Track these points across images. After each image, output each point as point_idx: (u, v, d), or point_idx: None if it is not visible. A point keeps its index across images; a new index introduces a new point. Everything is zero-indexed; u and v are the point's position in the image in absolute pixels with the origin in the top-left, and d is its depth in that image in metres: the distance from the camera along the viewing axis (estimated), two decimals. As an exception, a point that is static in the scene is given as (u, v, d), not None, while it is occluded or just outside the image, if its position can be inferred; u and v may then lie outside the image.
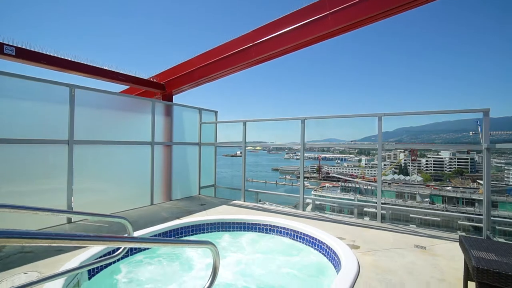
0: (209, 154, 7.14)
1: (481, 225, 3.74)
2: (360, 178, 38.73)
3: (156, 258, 3.44)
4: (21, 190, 3.82)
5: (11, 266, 2.72)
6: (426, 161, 42.34)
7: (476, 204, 23.99)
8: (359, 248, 3.33)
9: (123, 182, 5.23)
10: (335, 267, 3.11)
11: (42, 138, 4.01)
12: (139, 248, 3.47)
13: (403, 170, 41.84)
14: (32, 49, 4.41)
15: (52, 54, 4.66)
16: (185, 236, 4.16)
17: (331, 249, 3.34)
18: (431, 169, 41.78)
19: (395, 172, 40.03)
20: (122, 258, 3.23)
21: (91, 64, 5.25)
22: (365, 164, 45.64)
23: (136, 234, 3.63)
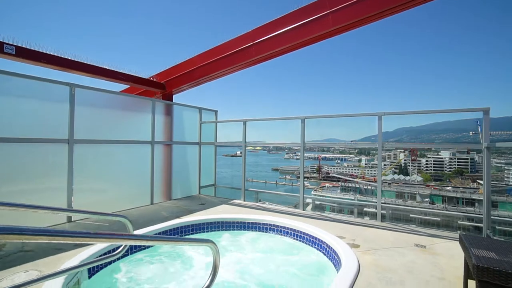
0: (209, 154, 7.14)
1: (481, 225, 3.74)
2: (360, 178, 38.73)
3: (156, 257, 3.44)
4: (21, 190, 3.81)
5: (11, 264, 2.72)
6: (426, 161, 42.35)
7: (476, 204, 23.98)
8: (359, 247, 3.33)
9: (123, 181, 5.23)
10: (335, 266, 3.11)
11: (42, 137, 4.01)
12: (139, 247, 3.47)
13: (403, 170, 41.84)
14: (32, 48, 4.41)
15: (52, 53, 4.66)
16: (185, 235, 4.16)
17: (331, 248, 3.34)
18: (431, 169, 41.79)
19: (395, 172, 40.04)
20: (122, 257, 3.23)
21: (91, 64, 5.25)
22: (365, 164, 45.65)
23: (136, 233, 3.62)
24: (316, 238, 3.70)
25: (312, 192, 29.12)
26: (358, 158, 48.70)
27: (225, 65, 5.78)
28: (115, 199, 5.04)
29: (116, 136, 5.08)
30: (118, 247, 2.57)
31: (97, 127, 4.81)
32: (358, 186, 30.64)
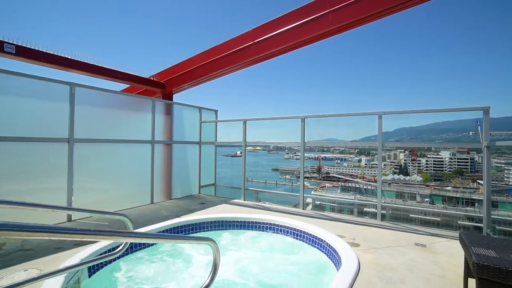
0: (209, 153, 7.14)
1: (481, 225, 3.74)
2: (360, 178, 38.72)
3: (156, 256, 3.43)
4: (20, 189, 3.81)
5: (11, 263, 2.72)
6: (426, 161, 42.33)
7: (476, 204, 23.98)
8: (359, 246, 3.33)
9: (123, 180, 5.23)
10: (335, 264, 3.11)
11: (42, 136, 4.01)
12: (139, 246, 3.47)
13: (403, 170, 41.83)
14: (32, 47, 4.41)
15: (52, 53, 4.66)
16: (185, 234, 4.15)
17: (331, 247, 3.34)
18: (431, 169, 41.78)
19: (395, 172, 40.03)
20: (122, 256, 3.23)
21: (91, 63, 5.25)
22: (365, 164, 45.63)
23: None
24: (316, 237, 3.70)
25: (312, 192, 29.11)
26: (358, 158, 48.69)
27: (225, 64, 5.78)
28: (115, 198, 5.04)
29: (116, 136, 5.08)
30: (118, 246, 2.57)
31: (97, 127, 4.81)
32: (358, 186, 30.64)
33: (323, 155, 51.87)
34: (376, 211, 4.53)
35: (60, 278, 2.34)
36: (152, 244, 3.61)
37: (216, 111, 7.37)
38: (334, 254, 3.22)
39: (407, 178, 35.54)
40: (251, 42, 5.31)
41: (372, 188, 28.78)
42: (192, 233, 4.21)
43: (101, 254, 2.97)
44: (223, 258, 3.28)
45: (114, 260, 3.11)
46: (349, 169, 45.40)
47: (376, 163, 4.76)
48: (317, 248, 3.62)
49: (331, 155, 52.74)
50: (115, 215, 2.42)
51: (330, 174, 43.23)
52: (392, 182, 32.25)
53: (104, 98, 4.93)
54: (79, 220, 4.27)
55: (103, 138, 4.83)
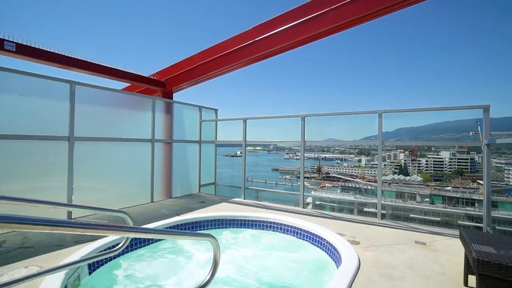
0: (209, 153, 7.14)
1: (481, 224, 3.74)
2: (360, 178, 38.72)
3: (157, 253, 3.44)
4: (20, 188, 3.80)
5: (12, 260, 2.72)
6: (426, 161, 42.31)
7: (476, 204, 23.97)
8: (359, 244, 3.33)
9: (123, 179, 5.23)
10: (335, 262, 3.11)
11: (42, 135, 4.01)
12: (139, 244, 3.47)
13: (403, 170, 41.82)
14: (33, 46, 4.41)
15: (52, 51, 4.66)
16: (185, 232, 4.16)
17: (332, 245, 3.34)
18: (431, 169, 41.76)
19: (395, 172, 40.02)
20: (123, 253, 3.23)
21: (91, 61, 5.25)
22: (365, 164, 45.62)
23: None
24: (316, 236, 3.70)
25: (312, 192, 29.12)
26: (358, 158, 48.68)
27: (225, 63, 5.78)
28: (115, 197, 5.04)
29: (117, 134, 5.08)
30: (118, 243, 2.57)
31: (97, 125, 4.81)
32: (358, 186, 30.63)
33: (323, 155, 51.87)
34: (376, 210, 4.52)
35: (60, 275, 2.34)
36: (153, 242, 3.61)
37: (216, 110, 7.38)
38: (334, 252, 3.22)
39: (407, 178, 35.53)
40: (251, 41, 5.31)
41: (372, 188, 28.77)
42: (192, 231, 4.21)
43: (101, 251, 2.97)
44: (223, 256, 3.28)
45: (114, 257, 3.11)
46: (349, 169, 45.39)
47: (376, 163, 4.77)
48: (317, 246, 3.62)
49: (331, 155, 52.74)
50: (115, 212, 2.42)
51: (330, 174, 43.22)
52: (392, 182, 32.24)
53: (104, 97, 4.94)
54: (79, 218, 4.27)
55: (103, 137, 4.83)
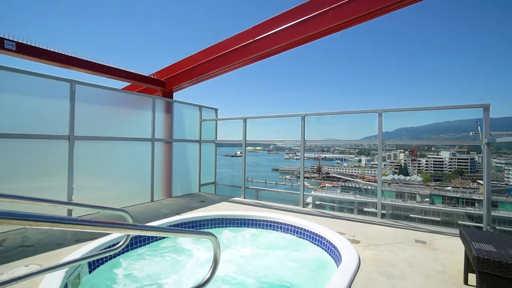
0: (209, 152, 7.15)
1: (481, 224, 3.74)
2: (360, 178, 38.73)
3: (157, 252, 3.44)
4: (21, 187, 3.80)
5: (12, 259, 2.72)
6: (426, 161, 42.32)
7: (476, 204, 23.99)
8: (359, 242, 3.33)
9: (123, 178, 5.23)
10: (335, 261, 3.11)
11: (43, 134, 4.01)
12: (139, 243, 3.47)
13: (403, 170, 41.83)
14: (33, 45, 4.41)
15: (52, 50, 4.66)
16: (185, 231, 4.16)
17: (332, 243, 3.34)
18: (431, 169, 41.77)
19: (395, 172, 40.03)
20: (123, 252, 3.23)
21: (91, 60, 5.25)
22: (365, 164, 45.64)
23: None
24: (316, 234, 3.70)
25: (312, 192, 29.13)
26: (358, 158, 48.70)
27: (225, 62, 5.78)
28: (115, 196, 5.04)
29: (117, 133, 5.08)
30: (118, 242, 2.57)
31: (97, 124, 4.82)
32: (358, 186, 30.65)
33: (323, 155, 51.88)
34: (376, 210, 4.52)
35: (60, 274, 2.34)
36: (153, 241, 3.61)
37: (216, 110, 7.38)
38: (334, 251, 3.22)
39: (407, 178, 35.55)
40: (252, 40, 5.31)
41: (372, 188, 28.79)
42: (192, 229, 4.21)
43: (101, 250, 2.97)
44: (223, 255, 3.28)
45: (114, 256, 3.11)
46: (349, 169, 45.40)
47: (376, 163, 4.77)
48: (317, 245, 3.63)
49: (331, 155, 52.76)
50: (115, 211, 2.42)
51: (330, 174, 43.24)
52: (392, 182, 32.26)
53: (104, 96, 4.94)
54: (79, 217, 4.26)
55: (103, 136, 4.83)
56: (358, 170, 44.47)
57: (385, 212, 4.66)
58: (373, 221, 4.30)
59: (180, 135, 6.43)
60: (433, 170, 41.46)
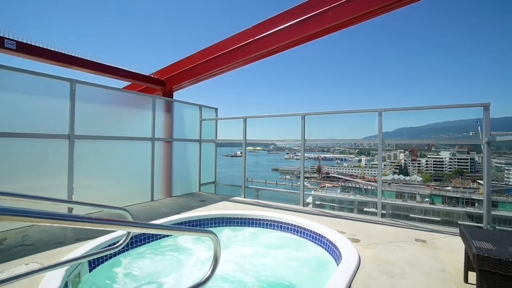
0: (209, 152, 7.15)
1: (481, 224, 3.74)
2: (360, 178, 38.74)
3: (157, 251, 3.44)
4: (20, 187, 3.79)
5: (12, 258, 2.72)
6: (426, 161, 42.34)
7: (476, 204, 24.00)
8: (359, 241, 3.33)
9: (124, 178, 5.23)
10: (335, 260, 3.11)
11: (43, 133, 4.01)
12: (140, 242, 3.47)
13: (403, 170, 41.84)
14: (33, 44, 4.41)
15: (53, 49, 4.66)
16: (185, 230, 4.16)
17: (332, 242, 3.34)
18: (431, 169, 41.78)
19: (395, 172, 40.05)
20: (123, 251, 3.23)
21: (92, 60, 5.25)
22: (365, 164, 45.65)
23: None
24: (316, 233, 3.70)
25: (313, 192, 29.14)
26: (358, 158, 48.72)
27: (225, 61, 5.78)
28: (116, 195, 5.04)
29: (117, 133, 5.08)
30: (119, 241, 2.57)
31: (97, 123, 4.81)
32: (358, 186, 30.66)
33: (323, 155, 51.90)
34: (376, 210, 4.52)
35: (61, 272, 2.34)
36: (154, 240, 3.61)
37: (216, 109, 7.38)
38: (335, 249, 3.22)
39: (407, 178, 35.56)
40: (252, 39, 5.31)
41: (372, 188, 28.80)
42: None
43: (102, 248, 2.97)
44: (223, 254, 3.28)
45: (115, 255, 3.11)
46: (349, 169, 45.41)
47: (376, 163, 4.77)
48: (318, 244, 3.63)
49: (331, 155, 52.78)
50: (116, 209, 2.43)
51: (330, 174, 43.25)
52: (392, 182, 32.27)
53: (104, 95, 4.94)
54: (79, 217, 4.27)
55: (103, 135, 4.83)
56: (358, 170, 44.48)
57: (385, 212, 4.65)
58: (373, 220, 4.30)
59: (180, 134, 6.43)
60: (433, 170, 41.47)
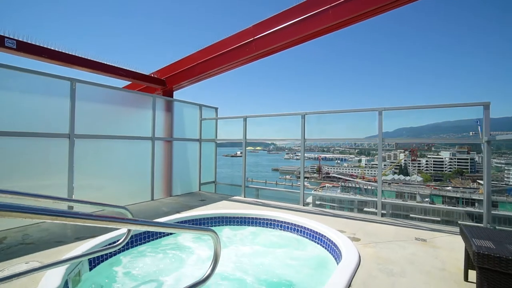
0: (210, 152, 7.15)
1: (481, 224, 3.74)
2: (360, 178, 38.75)
3: (158, 249, 3.44)
4: (20, 186, 3.79)
5: (12, 256, 2.72)
6: (426, 161, 42.36)
7: (476, 204, 24.01)
8: (359, 240, 3.33)
9: (124, 177, 5.23)
10: (336, 259, 3.11)
11: (43, 132, 4.01)
12: (140, 241, 3.47)
13: (403, 170, 41.85)
14: (33, 43, 4.41)
15: (53, 48, 4.66)
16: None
17: (332, 241, 3.34)
18: (431, 169, 41.79)
19: (395, 172, 40.06)
20: (123, 250, 3.23)
21: (92, 59, 5.25)
22: (365, 164, 45.66)
23: (137, 227, 3.62)
24: (316, 232, 3.70)
25: (313, 191, 29.15)
26: (358, 158, 48.74)
27: (225, 61, 5.78)
28: (116, 195, 5.04)
29: (117, 132, 5.08)
30: (119, 239, 2.58)
31: (98, 123, 4.81)
32: (358, 186, 30.67)
33: (323, 155, 51.92)
34: (376, 210, 4.52)
35: (61, 271, 2.34)
36: (154, 238, 3.61)
37: (216, 109, 7.38)
38: (335, 248, 3.22)
39: (407, 178, 35.58)
40: (252, 39, 5.31)
41: (372, 188, 28.81)
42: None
43: (102, 247, 2.97)
44: (223, 253, 3.28)
45: (115, 253, 3.11)
46: (349, 169, 45.42)
47: (376, 163, 4.77)
48: (318, 243, 3.63)
49: (331, 155, 52.80)
50: (116, 208, 2.43)
51: (330, 174, 43.27)
52: (392, 182, 32.29)
53: (105, 94, 4.94)
54: (79, 216, 4.27)
55: (104, 134, 4.83)
56: (358, 170, 44.49)
57: (385, 211, 4.66)
58: (373, 219, 4.30)
59: (180, 134, 6.43)
60: (433, 170, 41.49)
